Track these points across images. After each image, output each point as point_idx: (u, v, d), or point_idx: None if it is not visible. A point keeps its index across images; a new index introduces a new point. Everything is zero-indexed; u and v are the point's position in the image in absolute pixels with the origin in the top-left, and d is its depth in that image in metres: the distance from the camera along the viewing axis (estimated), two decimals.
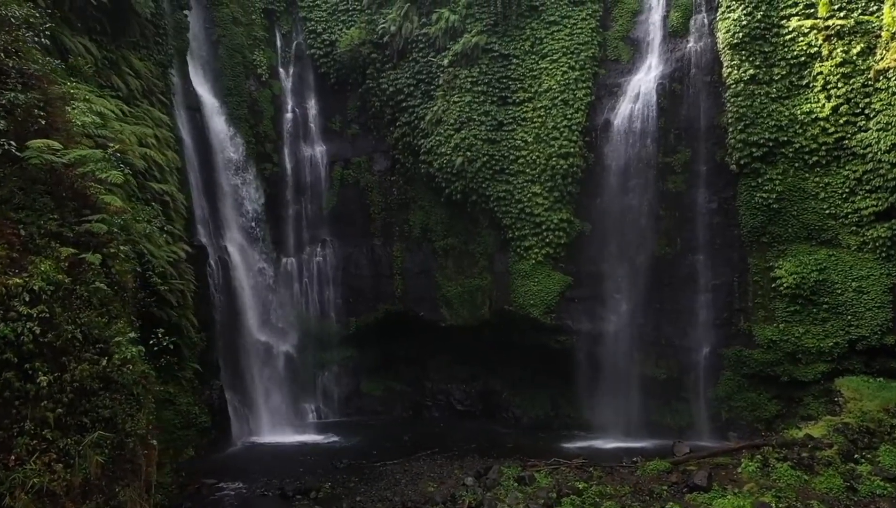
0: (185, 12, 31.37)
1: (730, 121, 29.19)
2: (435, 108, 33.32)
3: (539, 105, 32.09)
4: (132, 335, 13.16)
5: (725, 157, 29.57)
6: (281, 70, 36.20)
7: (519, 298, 31.82)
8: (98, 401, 12.43)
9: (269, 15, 36.12)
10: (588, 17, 32.42)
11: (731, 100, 29.16)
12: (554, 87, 31.94)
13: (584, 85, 31.83)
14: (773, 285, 28.56)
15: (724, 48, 29.49)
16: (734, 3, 29.35)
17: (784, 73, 28.57)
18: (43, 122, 13.43)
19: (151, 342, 15.33)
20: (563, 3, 32.63)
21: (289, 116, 35.87)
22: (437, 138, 32.94)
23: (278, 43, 36.39)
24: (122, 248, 14.03)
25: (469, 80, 32.81)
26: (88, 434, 12.08)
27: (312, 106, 36.45)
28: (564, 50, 32.21)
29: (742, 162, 28.95)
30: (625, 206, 31.02)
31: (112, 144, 15.69)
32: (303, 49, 36.42)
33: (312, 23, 36.19)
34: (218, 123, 32.24)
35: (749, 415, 29.04)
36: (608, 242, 31.30)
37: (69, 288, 12.24)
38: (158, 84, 26.99)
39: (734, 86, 29.11)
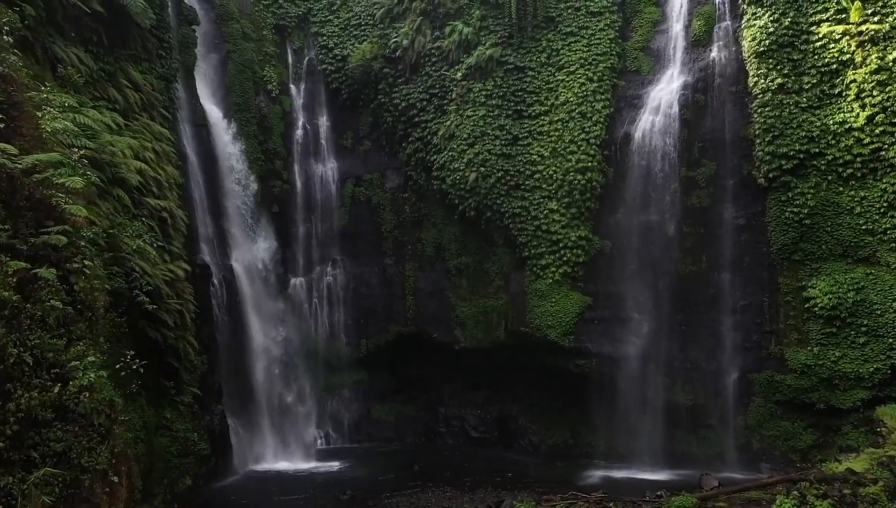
0: (193, 27, 30.46)
1: (757, 132, 27.44)
2: (448, 122, 32.00)
3: (556, 118, 30.62)
4: (92, 358, 11.73)
5: (753, 170, 27.77)
6: (292, 86, 35.16)
7: (535, 319, 30.12)
8: (50, 433, 11.00)
9: (281, 31, 35.18)
10: (606, 27, 31.00)
11: (759, 110, 27.44)
12: (571, 99, 30.47)
13: (603, 97, 30.32)
14: (807, 306, 26.55)
15: (749, 57, 27.83)
16: (760, 9, 27.73)
17: (814, 81, 26.79)
18: (2, 125, 12.18)
19: (119, 365, 13.83)
20: (580, 14, 31.26)
21: (299, 132, 34.77)
22: (450, 154, 31.58)
23: (289, 59, 35.40)
24: (87, 263, 12.65)
25: (483, 93, 31.48)
26: (37, 471, 10.65)
27: (324, 122, 35.32)
28: (582, 61, 30.76)
29: (771, 175, 27.14)
30: (646, 222, 29.31)
31: (78, 150, 14.39)
32: (314, 65, 35.39)
33: (324, 38, 35.18)
34: (225, 139, 31.17)
35: (782, 445, 26.91)
36: (629, 260, 29.58)
37: (17, 306, 10.87)
38: (160, 98, 25.91)
39: (761, 95, 27.41)
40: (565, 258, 29.81)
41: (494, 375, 32.64)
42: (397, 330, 33.69)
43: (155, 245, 22.19)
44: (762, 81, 27.45)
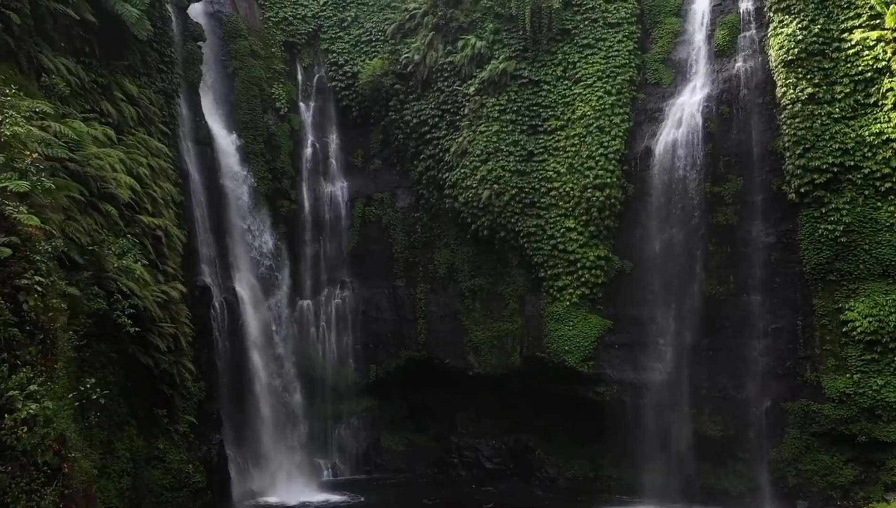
0: (199, 44, 29.48)
1: (787, 145, 25.62)
2: (460, 139, 30.60)
3: (572, 133, 29.10)
4: (35, 387, 10.19)
5: (783, 185, 25.91)
6: (301, 104, 33.99)
7: (552, 343, 28.35)
8: None
9: (291, 48, 34.10)
10: (625, 38, 29.55)
11: (788, 122, 25.63)
12: (588, 113, 28.95)
13: (622, 110, 28.78)
14: (844, 330, 24.43)
15: (777, 66, 26.12)
16: (787, 17, 26.04)
17: (848, 90, 24.94)
18: None
19: (73, 394, 12.25)
20: (597, 26, 29.86)
21: (308, 150, 33.51)
22: (463, 171, 30.11)
23: (299, 76, 34.29)
24: (40, 279, 11.17)
25: (497, 108, 30.09)
26: None
27: (333, 140, 34.06)
28: (599, 74, 29.30)
29: (802, 190, 25.23)
30: (669, 241, 27.52)
31: (30, 154, 13.01)
32: (324, 82, 34.22)
33: (334, 55, 34.04)
34: (231, 157, 30.02)
35: (821, 480, 24.65)
36: (651, 281, 27.80)
37: None
38: (159, 113, 24.70)
39: (790, 106, 25.62)
40: (583, 279, 28.11)
41: (510, 403, 30.81)
42: (408, 355, 32.02)
43: (145, 265, 20.86)
44: (791, 91, 25.69)
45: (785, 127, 25.75)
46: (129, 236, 19.25)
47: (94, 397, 12.41)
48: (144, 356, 20.93)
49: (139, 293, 19.72)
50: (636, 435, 27.51)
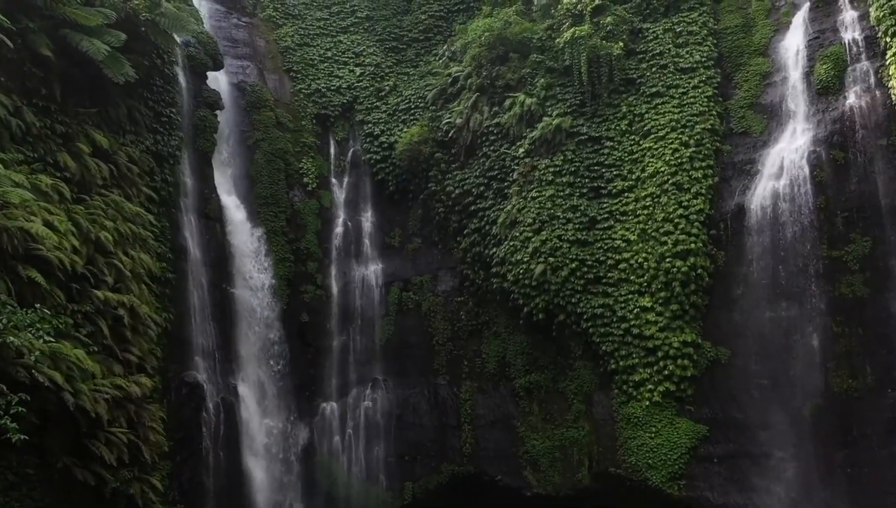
0: (216, 112, 25.80)
1: None
2: (509, 207, 25.29)
3: (643, 193, 23.48)
4: None
5: None
6: (333, 180, 29.45)
7: (630, 456, 21.63)
8: None
9: (323, 120, 30.01)
10: (702, 84, 24.46)
11: None
12: (662, 169, 23.36)
13: (703, 164, 23.18)
14: None
15: None
16: None
17: None
18: None
19: None
20: (667, 72, 24.98)
21: (339, 229, 28.63)
22: (512, 244, 24.57)
23: (332, 150, 29.96)
24: None
25: (551, 170, 24.85)
26: None
27: (367, 218, 29.14)
28: (673, 124, 24.01)
29: None
30: (777, 320, 21.13)
31: None
32: (359, 156, 29.77)
33: (370, 126, 29.70)
34: (244, 236, 25.48)
35: None
36: (756, 373, 21.23)
37: None
38: (144, 176, 20.45)
39: None
40: (667, 372, 21.64)
41: None
42: (451, 470, 25.40)
43: (95, 351, 15.84)
44: None
45: None
46: (81, 314, 14.27)
47: None
48: (82, 472, 15.53)
49: (67, 387, 14.54)
50: None
